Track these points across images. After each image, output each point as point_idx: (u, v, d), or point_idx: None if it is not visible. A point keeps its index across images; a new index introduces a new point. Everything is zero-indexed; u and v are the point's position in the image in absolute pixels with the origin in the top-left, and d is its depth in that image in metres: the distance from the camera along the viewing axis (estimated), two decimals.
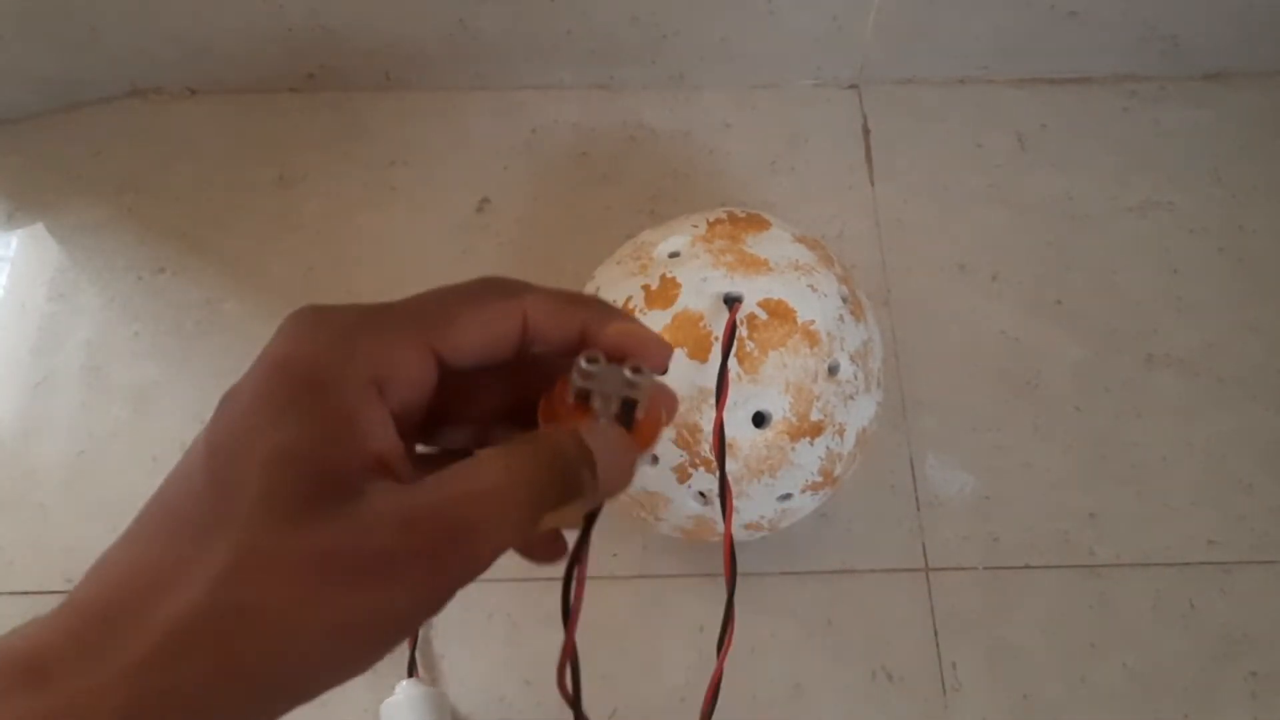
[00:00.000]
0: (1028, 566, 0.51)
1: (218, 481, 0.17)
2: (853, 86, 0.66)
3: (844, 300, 0.43)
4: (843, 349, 0.42)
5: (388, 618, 0.17)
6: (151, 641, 0.15)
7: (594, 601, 0.49)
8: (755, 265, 0.42)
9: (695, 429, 0.40)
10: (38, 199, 0.62)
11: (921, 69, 0.65)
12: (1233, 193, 0.61)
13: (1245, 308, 0.58)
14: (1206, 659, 0.48)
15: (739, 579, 0.36)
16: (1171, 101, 0.65)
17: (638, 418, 0.22)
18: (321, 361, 0.19)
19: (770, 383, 0.40)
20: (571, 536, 0.22)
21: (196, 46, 0.62)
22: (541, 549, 0.23)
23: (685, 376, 0.40)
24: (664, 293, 0.41)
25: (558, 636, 0.22)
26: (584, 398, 0.21)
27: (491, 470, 0.19)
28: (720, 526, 0.42)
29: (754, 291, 0.41)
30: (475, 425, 0.23)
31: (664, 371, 0.22)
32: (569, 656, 0.22)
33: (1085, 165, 0.62)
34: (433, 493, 0.18)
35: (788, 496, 0.42)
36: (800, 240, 0.44)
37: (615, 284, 0.43)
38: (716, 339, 0.40)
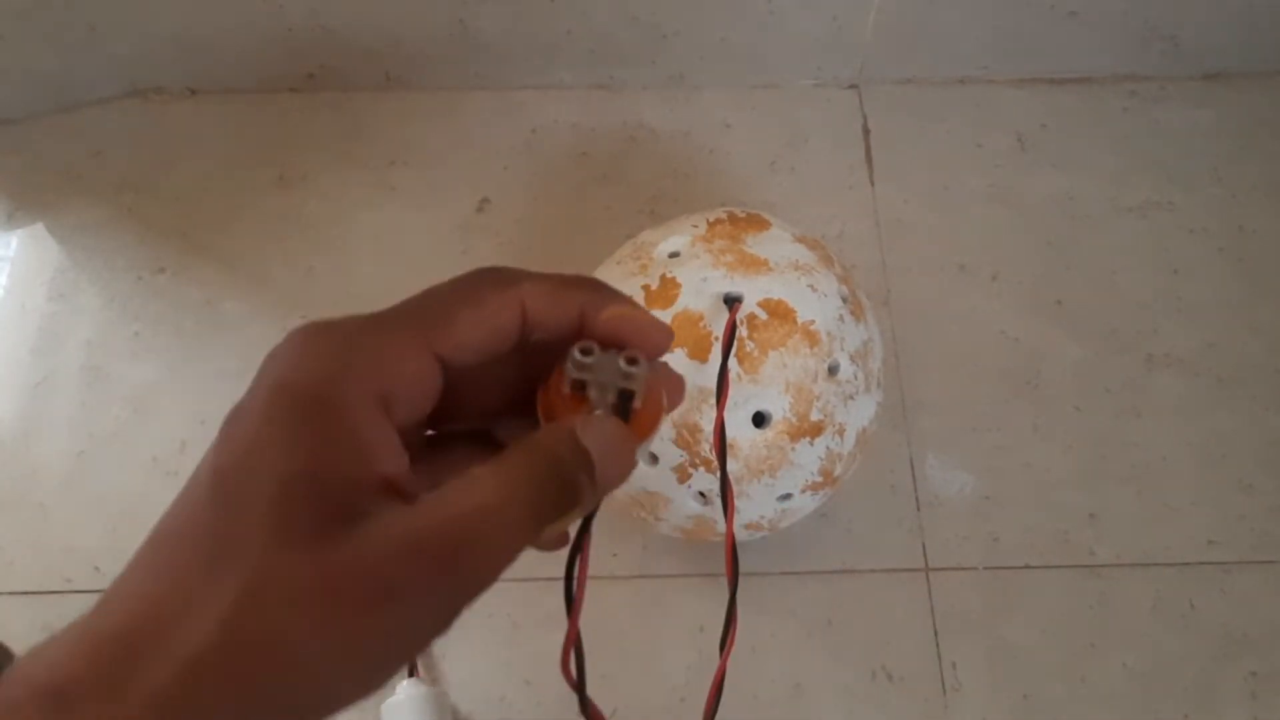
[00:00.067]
0: (1028, 566, 0.51)
1: (225, 508, 0.17)
2: (853, 86, 0.66)
3: (844, 300, 0.43)
4: (843, 349, 0.42)
5: (399, 641, 0.18)
6: (170, 672, 0.16)
7: (594, 601, 0.49)
8: (755, 265, 0.42)
9: (695, 429, 0.40)
10: (38, 199, 0.62)
11: (921, 69, 0.65)
12: (1233, 193, 0.61)
13: (1245, 308, 0.58)
14: (1206, 659, 0.48)
15: (739, 578, 0.36)
16: (1171, 101, 0.65)
17: (635, 408, 0.21)
18: (324, 382, 0.19)
19: (770, 383, 0.40)
20: (573, 526, 0.22)
21: (196, 46, 0.62)
22: (544, 539, 0.23)
23: (685, 376, 0.39)
24: (664, 293, 0.41)
25: (558, 637, 0.22)
26: (580, 388, 0.21)
27: (490, 489, 0.18)
28: (721, 526, 0.42)
29: (754, 291, 0.41)
30: (480, 414, 0.23)
31: (661, 355, 0.22)
32: (573, 643, 0.22)
33: (1085, 165, 0.62)
34: (435, 514, 0.18)
35: (788, 496, 0.42)
36: (800, 240, 0.44)
37: (615, 284, 0.43)
38: (716, 339, 0.40)
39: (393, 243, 0.60)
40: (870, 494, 0.52)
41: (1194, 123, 0.64)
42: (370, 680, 0.18)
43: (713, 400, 0.38)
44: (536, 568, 0.23)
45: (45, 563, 0.51)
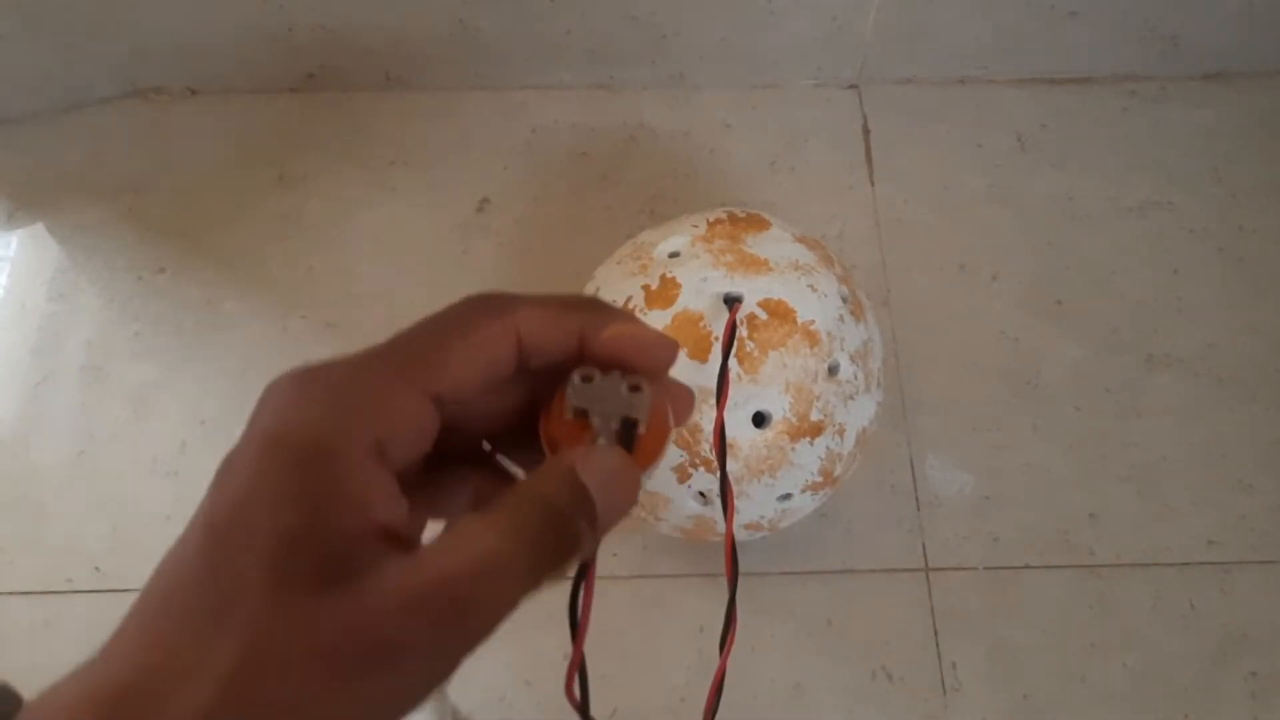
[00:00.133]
0: (1028, 566, 0.51)
1: (221, 566, 0.17)
2: (853, 86, 0.66)
3: (844, 300, 0.43)
4: (843, 349, 0.42)
5: (399, 697, 0.17)
6: None
7: (594, 601, 0.49)
8: (755, 265, 0.42)
9: (695, 429, 0.40)
10: (38, 199, 0.62)
11: (921, 69, 0.65)
12: (1233, 193, 0.61)
13: (1245, 308, 0.58)
14: (1206, 659, 0.48)
15: (739, 578, 0.36)
16: (1171, 101, 0.65)
17: (640, 433, 0.21)
18: (318, 435, 0.18)
19: (770, 383, 0.40)
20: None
21: (196, 46, 0.62)
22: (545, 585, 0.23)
23: (685, 376, 0.39)
24: (664, 293, 0.41)
25: (558, 637, 0.22)
26: (583, 414, 0.21)
27: (488, 544, 0.18)
28: (721, 526, 0.42)
29: (754, 291, 0.41)
30: (483, 439, 0.23)
31: (666, 370, 0.22)
32: (577, 668, 0.22)
33: (1085, 165, 0.62)
34: (434, 570, 0.18)
35: (788, 496, 0.42)
36: (800, 240, 0.44)
37: (615, 284, 0.43)
38: (716, 339, 0.40)
39: (393, 243, 0.60)
40: (870, 494, 0.52)
41: (1194, 123, 0.64)
42: None
43: (713, 400, 0.38)
44: None
45: (45, 563, 0.51)
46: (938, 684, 0.48)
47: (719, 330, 0.40)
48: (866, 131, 0.64)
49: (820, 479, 0.42)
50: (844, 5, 0.60)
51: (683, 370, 0.40)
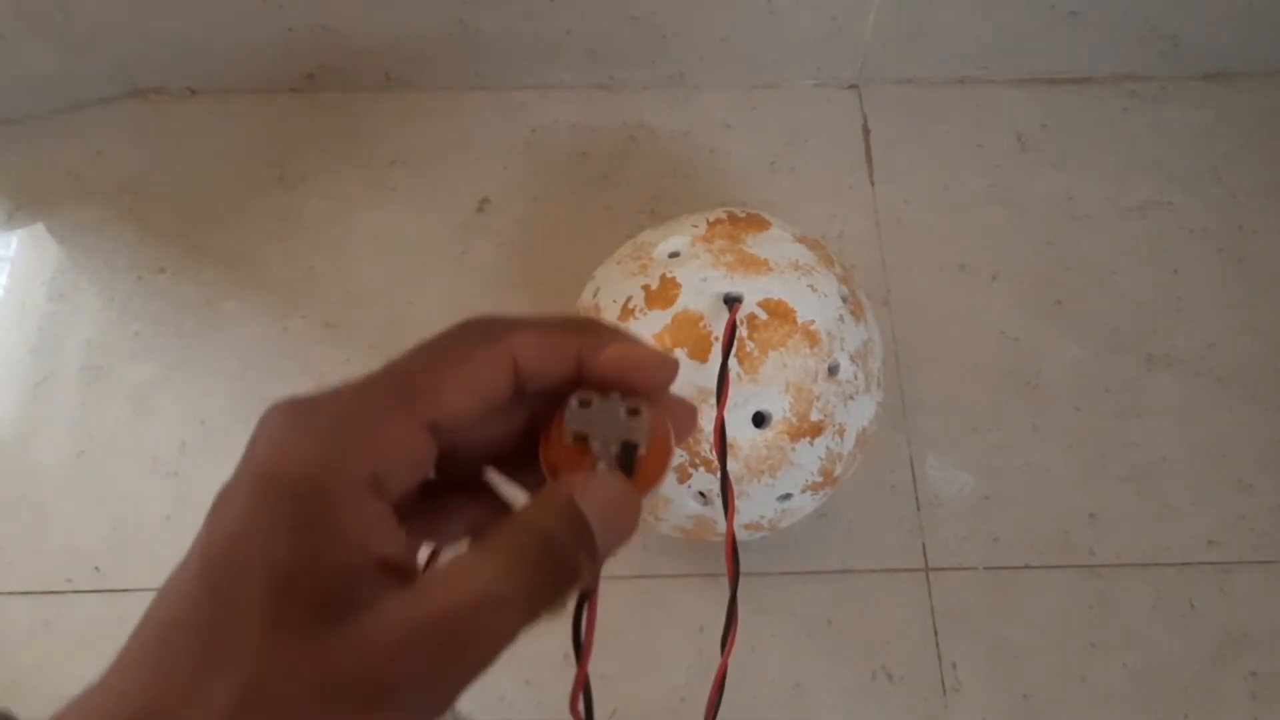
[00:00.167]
0: (1028, 566, 0.51)
1: (218, 605, 0.17)
2: (853, 86, 0.66)
3: (844, 300, 0.43)
4: (843, 349, 0.42)
5: None
6: None
7: (594, 600, 0.49)
8: (755, 265, 0.42)
9: (695, 429, 0.40)
10: (38, 199, 0.62)
11: (921, 69, 0.65)
12: (1233, 193, 0.61)
13: (1245, 308, 0.58)
14: (1206, 659, 0.48)
15: (740, 578, 0.36)
16: (1171, 101, 0.65)
17: (640, 455, 0.21)
18: (314, 471, 0.18)
19: (770, 383, 0.40)
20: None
21: (196, 46, 0.62)
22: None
23: (685, 376, 0.40)
24: (664, 293, 0.41)
25: (559, 637, 0.22)
26: (582, 438, 0.20)
27: (485, 579, 0.18)
28: (721, 526, 0.42)
29: (754, 291, 0.41)
30: (483, 461, 0.23)
31: (666, 389, 0.21)
32: (581, 686, 0.22)
33: (1085, 165, 0.62)
34: (431, 605, 0.18)
35: (788, 496, 0.42)
36: (800, 240, 0.44)
37: (615, 284, 0.43)
38: (716, 339, 0.40)
39: (393, 243, 0.60)
40: (870, 494, 0.52)
41: (1194, 123, 0.64)
42: None
43: (713, 400, 0.38)
44: None
45: (45, 563, 0.51)
46: (938, 684, 0.48)
47: (719, 330, 0.40)
48: (866, 131, 0.64)
49: (820, 479, 0.42)
50: (844, 5, 0.60)
51: (683, 370, 0.40)
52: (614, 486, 0.20)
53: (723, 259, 0.42)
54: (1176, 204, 0.61)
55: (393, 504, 0.19)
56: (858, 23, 0.61)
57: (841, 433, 0.42)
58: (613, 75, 0.65)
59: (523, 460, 0.22)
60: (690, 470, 0.41)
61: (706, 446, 0.40)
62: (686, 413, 0.23)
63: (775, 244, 0.43)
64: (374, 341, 0.56)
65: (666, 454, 0.21)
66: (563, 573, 0.19)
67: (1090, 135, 0.64)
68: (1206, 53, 0.64)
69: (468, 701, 0.52)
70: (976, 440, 0.54)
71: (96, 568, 0.50)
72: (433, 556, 0.24)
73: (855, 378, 0.42)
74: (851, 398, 0.42)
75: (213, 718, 0.16)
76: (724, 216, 0.45)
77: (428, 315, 0.57)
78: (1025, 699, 0.48)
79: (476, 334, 0.20)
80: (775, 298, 0.41)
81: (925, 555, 0.51)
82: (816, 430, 0.41)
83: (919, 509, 0.52)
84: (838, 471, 0.43)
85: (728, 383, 0.38)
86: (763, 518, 0.43)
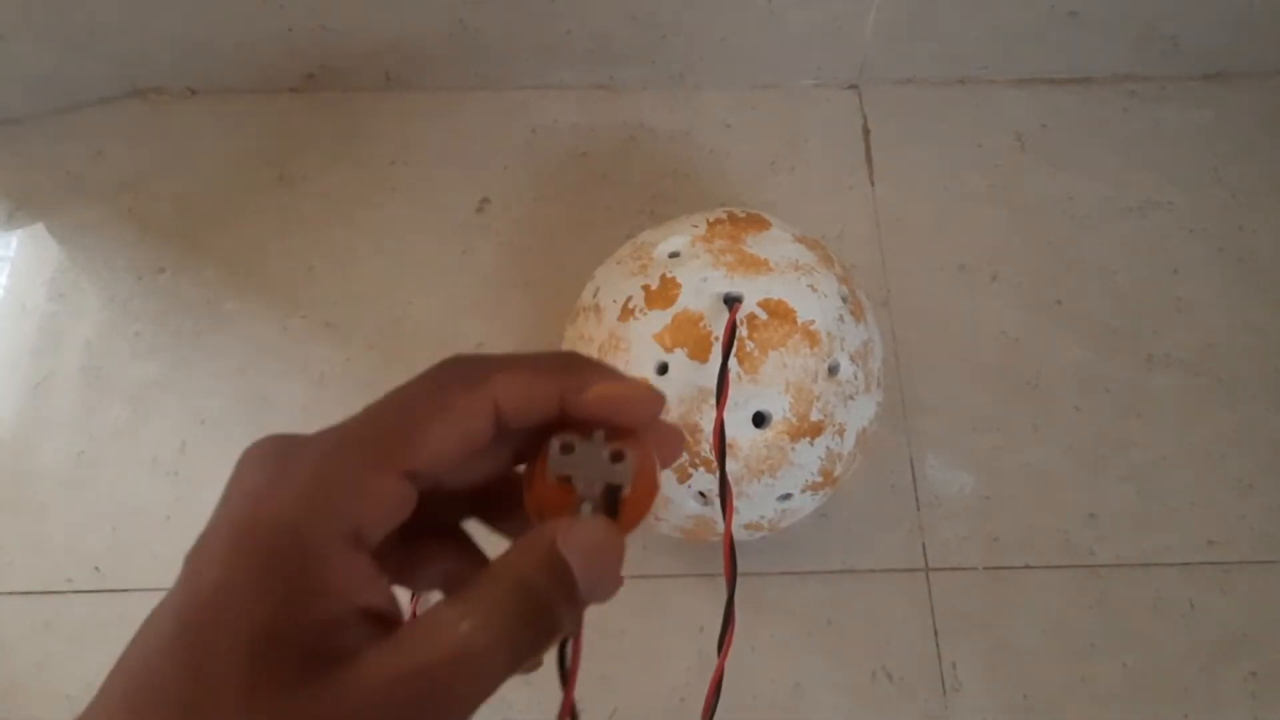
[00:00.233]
0: (1028, 566, 0.51)
1: (195, 668, 0.17)
2: (853, 86, 0.66)
3: (844, 300, 0.43)
4: (843, 349, 0.42)
5: None
6: None
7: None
8: (755, 265, 0.42)
9: (695, 429, 0.40)
10: (38, 199, 0.62)
11: (921, 69, 0.65)
12: (1233, 193, 0.61)
13: (1245, 308, 0.58)
14: (1206, 659, 0.48)
15: (739, 579, 0.36)
16: (1171, 101, 0.65)
17: (625, 496, 0.20)
18: (292, 525, 0.18)
19: (770, 383, 0.40)
20: None
21: (196, 46, 0.62)
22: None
23: (685, 376, 0.40)
24: (664, 293, 0.41)
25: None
26: (566, 478, 0.20)
27: (464, 631, 0.18)
28: (720, 526, 0.42)
29: (754, 291, 0.41)
30: (467, 499, 0.23)
31: (651, 422, 0.21)
32: (568, 713, 0.22)
33: (1085, 165, 0.62)
34: (411, 658, 0.17)
35: (788, 496, 0.42)
36: (800, 240, 0.44)
37: (615, 284, 0.43)
38: (716, 339, 0.40)
39: (393, 243, 0.60)
40: (870, 494, 0.52)
41: (1194, 123, 0.64)
42: None
43: (713, 400, 0.38)
44: None
45: (45, 563, 0.51)
46: (938, 684, 0.48)
47: (719, 330, 0.40)
48: (866, 131, 0.64)
49: (820, 479, 0.42)
50: (844, 5, 0.60)
51: (683, 370, 0.40)
52: (598, 531, 0.20)
53: (723, 259, 0.42)
54: (1176, 204, 0.61)
55: (372, 551, 0.19)
56: (858, 23, 0.61)
57: (841, 433, 0.42)
58: (613, 75, 0.65)
59: (506, 497, 0.22)
60: (690, 470, 0.41)
61: (706, 447, 0.40)
62: (673, 439, 0.22)
63: (775, 244, 0.43)
64: (374, 341, 0.56)
65: (652, 490, 0.21)
66: (544, 624, 0.19)
67: (1090, 135, 0.64)
68: (1206, 53, 0.64)
69: None
70: (976, 440, 0.54)
71: (96, 568, 0.50)
72: (414, 599, 0.24)
73: (855, 378, 0.42)
74: (851, 398, 0.42)
75: None
76: (724, 216, 0.45)
77: (428, 315, 0.57)
78: (1025, 699, 0.48)
79: (456, 379, 0.20)
80: (775, 298, 0.41)
81: (925, 555, 0.51)
82: (816, 430, 0.41)
83: (919, 509, 0.52)
84: (838, 471, 0.43)
85: (727, 383, 0.38)
86: (763, 518, 0.43)
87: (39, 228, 0.61)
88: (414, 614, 0.22)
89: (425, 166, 0.63)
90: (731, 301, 0.41)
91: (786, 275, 0.42)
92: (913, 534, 0.51)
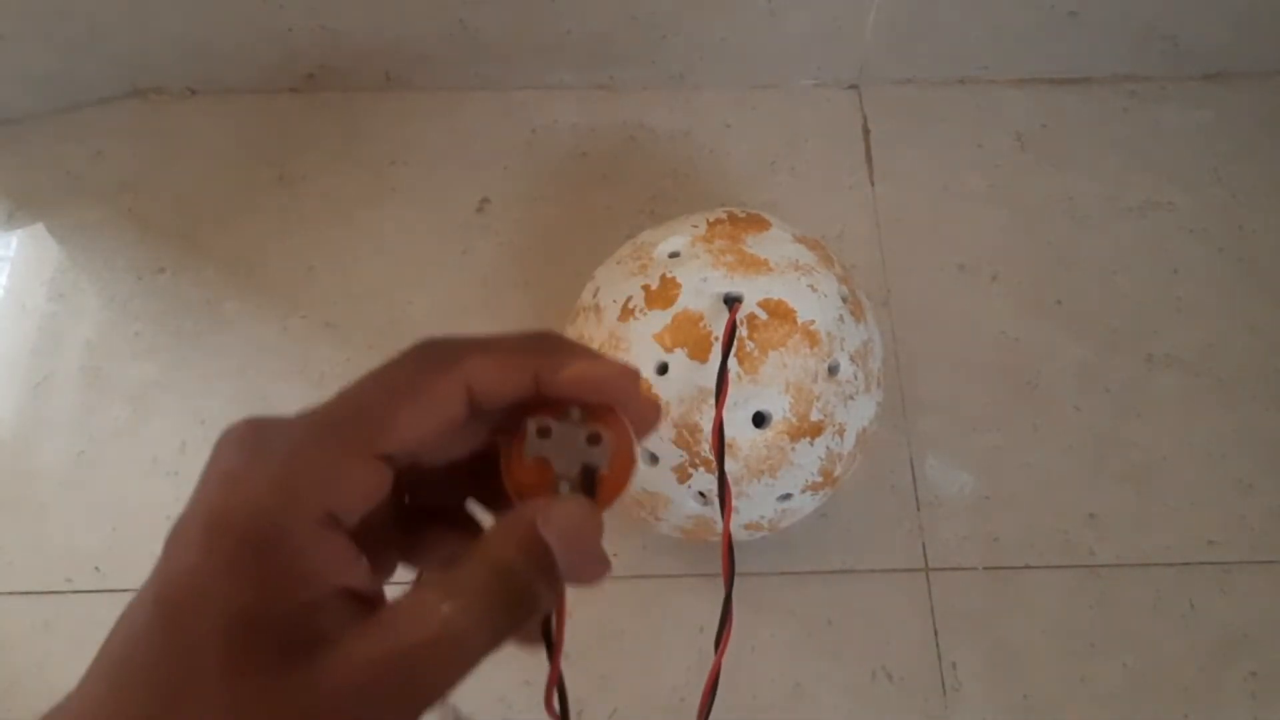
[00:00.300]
0: (1028, 566, 0.51)
1: (175, 652, 0.17)
2: (853, 86, 0.66)
3: (844, 300, 0.43)
4: (843, 349, 0.42)
5: None
6: None
7: (594, 601, 0.49)
8: (755, 265, 0.42)
9: (695, 429, 0.40)
10: (38, 199, 0.62)
11: (921, 69, 0.65)
12: (1233, 193, 0.61)
13: (1245, 308, 0.58)
14: (1206, 659, 0.48)
15: (739, 578, 0.36)
16: (1171, 101, 0.65)
17: (602, 474, 0.21)
18: (267, 509, 0.18)
19: (770, 383, 0.40)
20: None
21: (196, 46, 0.62)
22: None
23: (685, 376, 0.40)
24: (664, 293, 0.41)
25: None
26: (543, 459, 0.21)
27: (444, 613, 0.18)
28: (720, 526, 0.42)
29: (754, 291, 0.41)
30: (450, 475, 0.23)
31: (628, 401, 0.21)
32: (555, 684, 0.22)
33: (1085, 165, 0.62)
34: (390, 640, 0.18)
35: (788, 496, 0.42)
36: (800, 240, 0.44)
37: (615, 284, 0.43)
38: (716, 339, 0.40)
39: (393, 243, 0.60)
40: (870, 494, 0.52)
41: (1194, 123, 0.64)
42: None
43: (713, 400, 0.38)
44: None
45: (45, 563, 0.51)
46: (938, 684, 0.48)
47: (719, 330, 0.40)
48: (866, 131, 0.64)
49: (820, 479, 0.42)
50: (844, 5, 0.60)
51: (683, 370, 0.40)
52: (576, 512, 0.20)
53: (723, 259, 0.42)
54: (1176, 204, 0.61)
55: (355, 530, 0.19)
56: (858, 23, 0.61)
57: (841, 433, 0.42)
58: (613, 75, 0.65)
59: (487, 475, 0.22)
60: (690, 470, 0.41)
61: (706, 447, 0.40)
62: (649, 413, 0.22)
63: (775, 244, 0.43)
64: (374, 341, 0.56)
65: (629, 467, 0.21)
66: (522, 604, 0.19)
67: (1090, 135, 0.64)
68: (1206, 53, 0.64)
69: (468, 702, 0.52)
70: (976, 440, 0.54)
71: (96, 568, 0.50)
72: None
73: (855, 378, 0.42)
74: (851, 398, 0.42)
75: None
76: (724, 216, 0.45)
77: (428, 315, 0.57)
78: (1025, 699, 0.48)
79: (429, 363, 0.20)
80: (775, 298, 0.41)
81: (925, 555, 0.51)
82: (816, 430, 0.41)
83: (919, 509, 0.52)
84: (838, 471, 0.43)
85: (726, 383, 0.38)
86: (763, 518, 0.43)
87: (39, 228, 0.61)
88: None
89: (425, 166, 0.63)
90: (731, 301, 0.41)
91: (786, 275, 0.42)
92: (913, 534, 0.51)
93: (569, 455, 0.21)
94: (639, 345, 0.41)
